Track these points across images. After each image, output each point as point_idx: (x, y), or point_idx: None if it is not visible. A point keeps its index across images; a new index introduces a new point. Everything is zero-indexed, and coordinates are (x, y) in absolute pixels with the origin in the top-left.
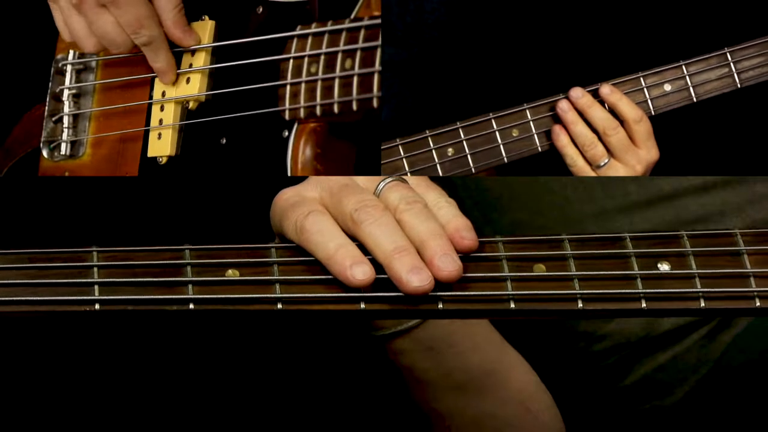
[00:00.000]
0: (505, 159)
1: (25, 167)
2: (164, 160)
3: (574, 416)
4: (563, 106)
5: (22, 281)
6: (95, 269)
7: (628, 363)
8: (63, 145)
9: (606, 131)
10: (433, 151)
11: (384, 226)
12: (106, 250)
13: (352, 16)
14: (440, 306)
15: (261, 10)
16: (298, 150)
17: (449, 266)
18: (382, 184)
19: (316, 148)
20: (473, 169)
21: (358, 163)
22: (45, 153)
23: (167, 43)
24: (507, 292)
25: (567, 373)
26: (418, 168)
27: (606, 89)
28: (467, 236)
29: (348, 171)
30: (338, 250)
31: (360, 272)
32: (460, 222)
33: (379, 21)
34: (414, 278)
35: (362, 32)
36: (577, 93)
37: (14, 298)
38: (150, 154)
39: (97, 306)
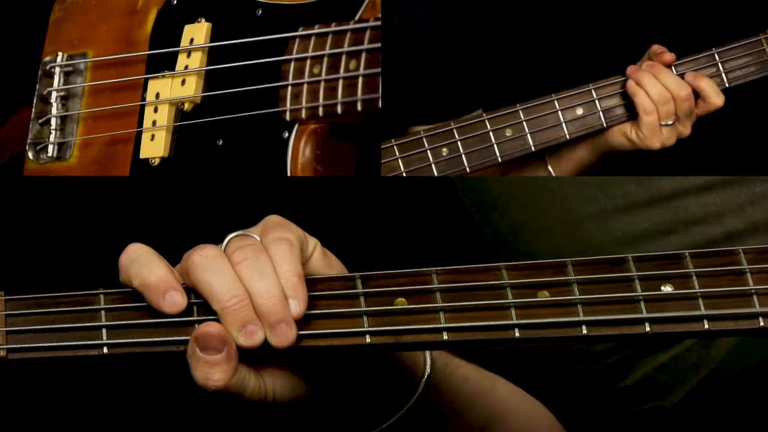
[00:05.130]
0: (499, 158)
1: (10, 171)
2: (156, 161)
3: (574, 417)
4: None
5: (31, 327)
6: (102, 312)
7: (628, 363)
8: (50, 147)
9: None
10: (428, 152)
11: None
12: (112, 292)
13: (357, 18)
14: (445, 337)
15: (260, 12)
16: (298, 151)
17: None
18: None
19: (316, 149)
20: (468, 169)
21: (358, 164)
22: (30, 155)
23: None
24: (512, 321)
25: (567, 373)
26: (414, 168)
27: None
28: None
29: (348, 172)
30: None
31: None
32: None
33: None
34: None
35: (367, 33)
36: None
37: (24, 345)
38: (142, 155)
39: (105, 350)
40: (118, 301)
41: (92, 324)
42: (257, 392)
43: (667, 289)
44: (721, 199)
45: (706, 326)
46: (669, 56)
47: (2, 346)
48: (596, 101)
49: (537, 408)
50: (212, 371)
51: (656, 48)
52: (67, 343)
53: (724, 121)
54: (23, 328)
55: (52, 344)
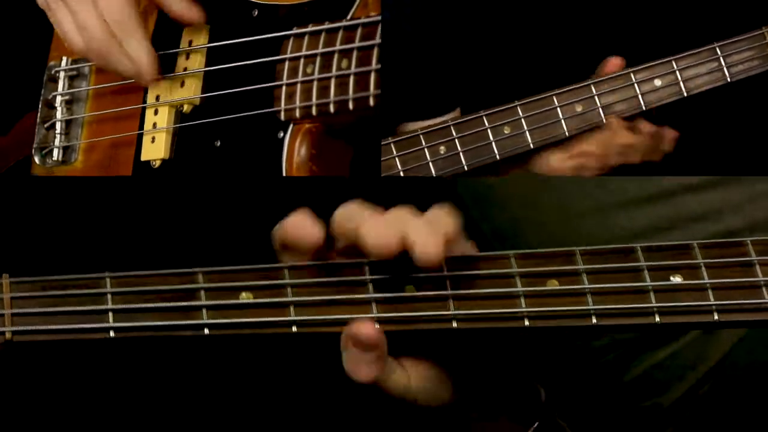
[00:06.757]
0: (497, 156)
1: (17, 175)
2: (158, 163)
3: (573, 414)
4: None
5: (38, 310)
6: (109, 296)
7: (626, 360)
8: (55, 151)
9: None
10: (425, 150)
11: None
12: (119, 275)
13: (349, 17)
14: (455, 325)
15: (256, 13)
16: (294, 150)
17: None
18: None
19: (311, 148)
20: (465, 167)
21: (354, 164)
22: (37, 159)
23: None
24: (521, 309)
25: (565, 369)
26: (411, 166)
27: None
28: None
29: (343, 172)
30: None
31: None
32: None
33: (376, 19)
34: None
35: (359, 31)
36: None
37: (31, 328)
38: (143, 157)
39: (111, 333)
40: (125, 284)
41: (99, 307)
42: (399, 384)
43: (676, 279)
44: (720, 197)
45: (716, 317)
46: (614, 64)
47: (7, 328)
48: (595, 97)
49: None
50: (363, 366)
51: (605, 62)
52: (73, 326)
53: (723, 120)
54: (29, 310)
55: (57, 327)
